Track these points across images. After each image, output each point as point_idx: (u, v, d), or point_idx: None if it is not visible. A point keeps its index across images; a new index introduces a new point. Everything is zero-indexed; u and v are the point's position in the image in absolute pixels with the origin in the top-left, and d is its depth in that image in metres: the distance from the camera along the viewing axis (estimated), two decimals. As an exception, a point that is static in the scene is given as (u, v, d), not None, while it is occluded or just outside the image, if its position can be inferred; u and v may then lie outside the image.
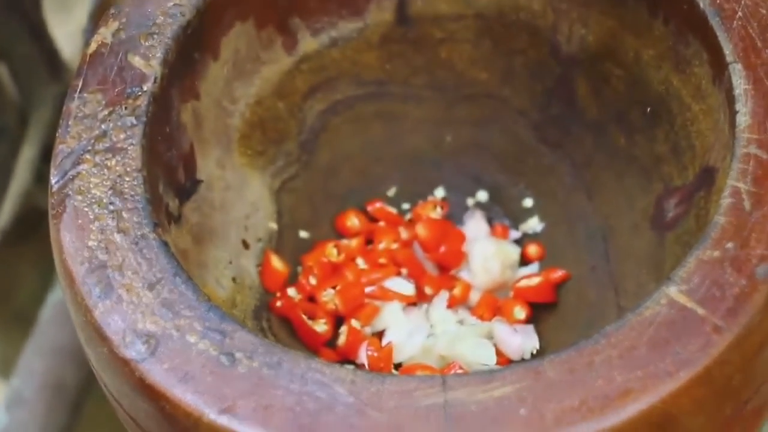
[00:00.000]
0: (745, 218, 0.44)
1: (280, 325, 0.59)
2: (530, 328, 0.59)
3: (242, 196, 0.60)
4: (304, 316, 0.59)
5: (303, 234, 0.63)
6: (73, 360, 0.82)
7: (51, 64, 0.84)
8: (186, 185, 0.56)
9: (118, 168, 0.49)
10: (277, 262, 0.60)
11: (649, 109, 0.57)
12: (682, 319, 0.42)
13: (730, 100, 0.48)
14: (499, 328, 0.58)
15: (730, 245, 0.43)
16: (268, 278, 0.60)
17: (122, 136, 0.50)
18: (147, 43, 0.52)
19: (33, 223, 0.85)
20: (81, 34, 0.75)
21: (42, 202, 0.83)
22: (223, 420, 0.41)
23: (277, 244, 0.61)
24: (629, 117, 0.58)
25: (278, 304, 0.59)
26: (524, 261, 0.62)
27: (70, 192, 0.48)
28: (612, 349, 0.41)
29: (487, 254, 0.61)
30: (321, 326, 0.59)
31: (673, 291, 0.42)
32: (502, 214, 0.64)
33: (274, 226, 0.61)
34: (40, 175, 0.84)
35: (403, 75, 0.63)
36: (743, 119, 0.47)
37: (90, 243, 0.47)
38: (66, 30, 0.93)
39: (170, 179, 0.54)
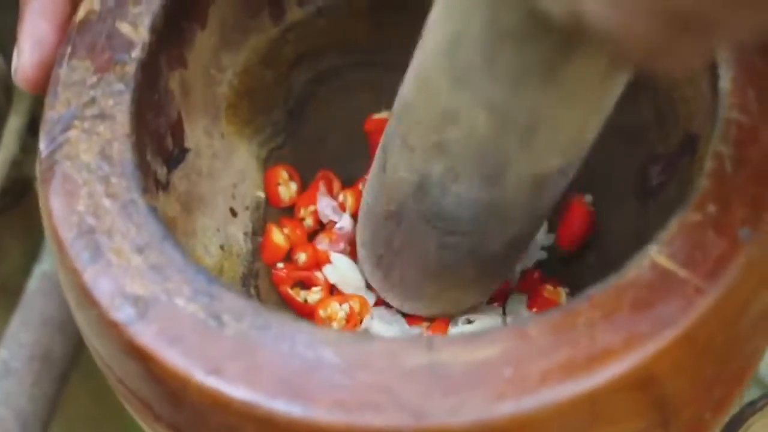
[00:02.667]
0: (727, 182, 0.44)
1: (268, 292, 0.59)
2: None
3: (230, 165, 0.60)
4: (291, 291, 0.59)
5: (290, 202, 0.63)
6: (60, 331, 0.82)
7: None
8: (174, 153, 0.56)
9: (107, 134, 0.49)
10: (278, 237, 0.60)
11: (632, 77, 0.57)
12: (664, 281, 0.42)
13: (713, 65, 0.48)
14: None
15: (712, 208, 0.44)
16: (268, 252, 0.60)
17: (111, 102, 0.50)
18: (135, 10, 0.52)
19: (18, 194, 0.85)
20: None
21: (28, 173, 0.83)
22: (211, 381, 0.42)
23: (265, 212, 0.62)
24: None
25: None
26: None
27: (58, 158, 0.48)
28: (595, 311, 0.42)
29: None
30: (316, 294, 0.59)
31: (655, 253, 0.43)
32: None
33: (261, 194, 0.62)
34: (26, 146, 0.84)
35: (392, 44, 0.63)
36: (725, 85, 0.47)
37: (79, 208, 0.47)
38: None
39: (158, 147, 0.54)
